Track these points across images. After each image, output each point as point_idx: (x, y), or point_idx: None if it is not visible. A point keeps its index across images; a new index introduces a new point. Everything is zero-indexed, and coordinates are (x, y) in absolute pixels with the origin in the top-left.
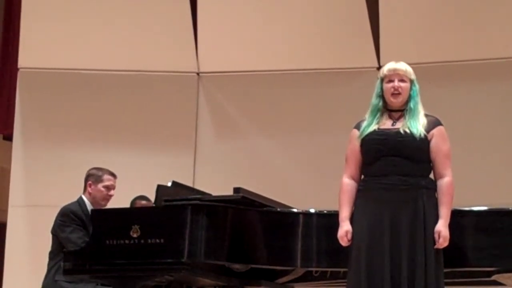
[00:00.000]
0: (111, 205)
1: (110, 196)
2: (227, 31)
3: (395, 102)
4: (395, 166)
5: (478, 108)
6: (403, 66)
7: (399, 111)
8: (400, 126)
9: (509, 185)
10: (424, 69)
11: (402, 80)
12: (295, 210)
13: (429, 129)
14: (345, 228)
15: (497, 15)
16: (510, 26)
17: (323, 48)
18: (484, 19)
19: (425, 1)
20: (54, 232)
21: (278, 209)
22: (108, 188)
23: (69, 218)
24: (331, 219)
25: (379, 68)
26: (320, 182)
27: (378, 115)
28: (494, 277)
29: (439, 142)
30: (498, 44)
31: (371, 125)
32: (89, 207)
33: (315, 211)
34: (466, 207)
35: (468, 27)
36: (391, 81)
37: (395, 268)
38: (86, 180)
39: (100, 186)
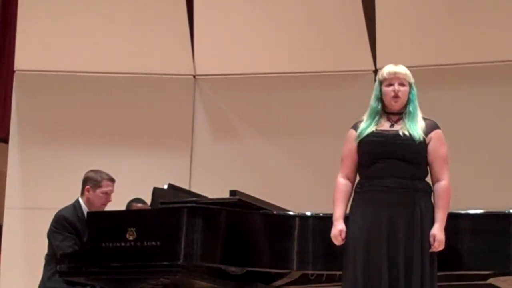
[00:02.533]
0: (107, 207)
1: (108, 201)
2: (224, 34)
3: (395, 105)
4: (392, 169)
5: (474, 111)
6: (403, 70)
7: (398, 114)
8: (399, 128)
9: (505, 189)
10: (421, 72)
11: (401, 84)
12: (291, 213)
13: (427, 132)
14: (338, 227)
15: (493, 18)
16: (507, 29)
17: (320, 51)
18: (480, 22)
19: (422, 4)
20: (49, 237)
21: (274, 212)
22: (107, 194)
23: (61, 226)
24: (327, 222)
25: (375, 71)
26: (316, 185)
27: (377, 117)
28: (489, 280)
29: (436, 145)
30: (494, 47)
31: (369, 127)
32: (85, 211)
33: (311, 214)
34: (462, 210)
35: (464, 30)
36: (391, 84)
37: (393, 271)
38: (84, 183)
39: (98, 192)
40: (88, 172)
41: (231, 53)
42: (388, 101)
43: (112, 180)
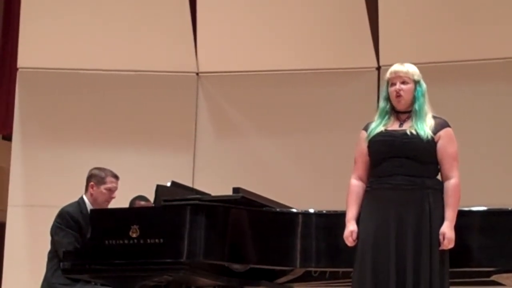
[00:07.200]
0: (110, 205)
1: (112, 198)
2: (227, 31)
3: (399, 105)
4: (401, 167)
5: (477, 108)
6: (404, 68)
7: (407, 113)
8: (407, 127)
9: (508, 186)
10: (424, 69)
11: (404, 82)
12: (294, 210)
13: (436, 130)
14: (350, 229)
15: (495, 15)
16: (509, 26)
17: (322, 48)
18: (482, 19)
19: (424, 1)
20: (52, 233)
21: (277, 209)
22: (111, 190)
23: (64, 221)
24: (330, 219)
25: (378, 68)
26: (319, 182)
27: (386, 117)
28: (493, 277)
29: (445, 144)
30: (496, 44)
31: (378, 127)
32: (90, 207)
33: (314, 211)
34: (465, 207)
35: (467, 27)
36: (393, 84)
37: (401, 269)
38: (88, 180)
39: (102, 188)
40: (92, 169)
41: (234, 50)
42: (393, 100)
43: (116, 177)
